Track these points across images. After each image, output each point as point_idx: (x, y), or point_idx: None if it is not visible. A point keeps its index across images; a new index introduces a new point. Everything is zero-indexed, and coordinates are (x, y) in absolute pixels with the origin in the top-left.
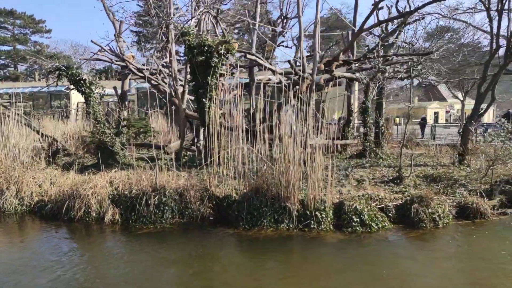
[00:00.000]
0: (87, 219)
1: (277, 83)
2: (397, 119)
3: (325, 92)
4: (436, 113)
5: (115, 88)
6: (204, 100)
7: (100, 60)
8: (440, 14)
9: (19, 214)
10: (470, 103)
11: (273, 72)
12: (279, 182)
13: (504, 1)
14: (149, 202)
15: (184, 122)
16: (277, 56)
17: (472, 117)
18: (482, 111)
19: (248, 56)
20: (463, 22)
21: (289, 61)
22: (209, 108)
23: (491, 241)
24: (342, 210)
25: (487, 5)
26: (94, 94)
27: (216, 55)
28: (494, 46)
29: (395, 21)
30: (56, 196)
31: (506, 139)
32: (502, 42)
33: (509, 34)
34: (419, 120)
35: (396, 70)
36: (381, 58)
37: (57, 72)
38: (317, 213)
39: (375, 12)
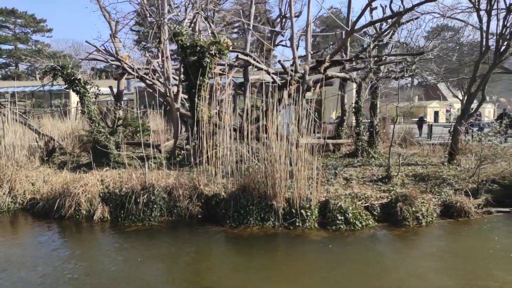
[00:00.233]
0: (77, 216)
1: (272, 83)
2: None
3: (323, 91)
4: (436, 112)
5: (110, 87)
6: (196, 99)
7: (95, 59)
8: (438, 13)
9: (12, 211)
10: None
11: (267, 72)
12: (265, 181)
13: (492, 2)
14: (138, 200)
15: (177, 121)
16: (277, 55)
17: (462, 116)
18: (472, 111)
19: (240, 56)
20: (461, 21)
21: (279, 61)
22: (197, 107)
23: (472, 239)
24: (327, 209)
25: (476, 5)
26: (88, 93)
27: (208, 55)
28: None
29: (389, 21)
30: (48, 194)
31: (494, 139)
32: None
33: (497, 34)
34: (417, 119)
35: (391, 70)
36: (373, 58)
37: (52, 72)
38: (302, 211)
39: (370, 12)
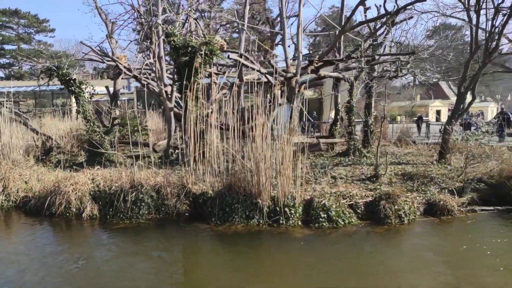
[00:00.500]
0: (67, 214)
1: (266, 83)
2: (398, 117)
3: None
4: (438, 111)
5: (107, 87)
6: (187, 99)
7: (91, 60)
8: (437, 12)
9: (5, 209)
10: (467, 101)
11: (260, 72)
12: (251, 179)
13: (481, 2)
14: (127, 198)
15: (170, 121)
16: (279, 54)
17: (452, 116)
18: (462, 110)
19: (231, 56)
20: (462, 20)
21: (269, 62)
22: (186, 107)
23: (449, 237)
24: (311, 207)
25: (466, 6)
26: (84, 93)
27: (199, 56)
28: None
29: (381, 20)
30: (40, 192)
31: (482, 138)
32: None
33: (487, 34)
34: (415, 118)
35: (385, 70)
36: (364, 58)
37: (48, 72)
38: (286, 209)
39: (364, 12)
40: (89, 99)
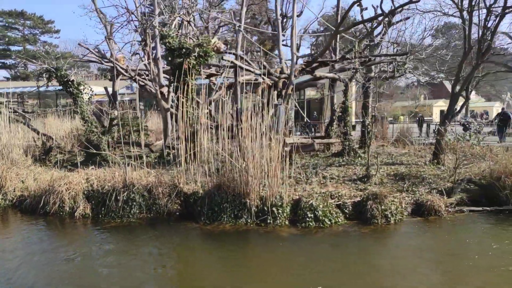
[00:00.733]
0: (61, 213)
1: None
2: (401, 117)
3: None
4: (442, 111)
5: (105, 88)
6: (182, 100)
7: (90, 61)
8: (441, 12)
9: (2, 207)
10: (472, 101)
11: (254, 73)
12: (239, 179)
13: (473, 3)
14: (119, 198)
15: (166, 121)
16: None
17: (446, 116)
18: (456, 111)
19: (225, 57)
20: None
21: (260, 62)
22: (177, 107)
23: (434, 237)
24: (299, 207)
25: (460, 6)
26: (82, 94)
27: (193, 57)
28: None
29: (376, 21)
30: (36, 191)
31: (473, 139)
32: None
33: (479, 35)
34: (416, 118)
35: (383, 70)
36: (358, 59)
37: (47, 74)
38: (273, 209)
39: (360, 12)
40: (88, 100)
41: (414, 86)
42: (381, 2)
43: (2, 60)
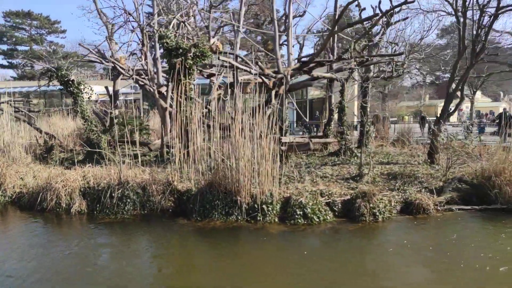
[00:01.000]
0: (58, 209)
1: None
2: (406, 117)
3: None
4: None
5: (106, 87)
6: (181, 100)
7: (91, 61)
8: (445, 11)
9: (2, 204)
10: (478, 100)
11: (250, 73)
12: (230, 177)
13: (467, 4)
14: (113, 194)
15: (164, 120)
16: (284, 54)
17: (441, 116)
18: (451, 111)
19: (221, 58)
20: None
21: (257, 63)
22: (171, 107)
23: (419, 235)
24: (288, 204)
25: (454, 7)
26: (82, 94)
27: (190, 57)
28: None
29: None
30: (34, 188)
31: (465, 139)
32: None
33: (473, 35)
34: (418, 118)
35: (381, 70)
36: (354, 59)
37: (48, 73)
38: (264, 206)
39: (359, 13)
40: (88, 99)
41: (419, 86)
42: (380, 3)
43: (10, 60)
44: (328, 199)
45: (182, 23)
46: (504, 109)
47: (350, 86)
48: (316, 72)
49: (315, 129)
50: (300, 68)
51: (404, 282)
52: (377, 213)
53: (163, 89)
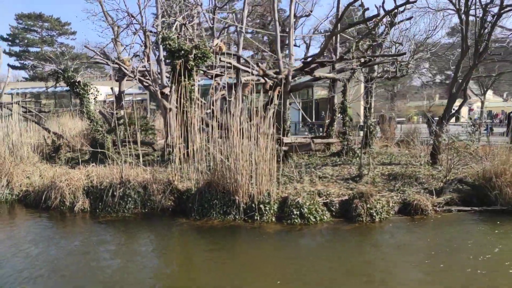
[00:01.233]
0: (62, 207)
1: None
2: (415, 117)
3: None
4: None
5: (112, 89)
6: (183, 101)
7: (97, 62)
8: (454, 10)
9: (9, 202)
10: (489, 100)
11: (252, 73)
12: (228, 177)
13: (469, 4)
14: (115, 193)
15: (167, 121)
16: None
17: (443, 117)
18: (454, 111)
19: (222, 59)
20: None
21: (257, 64)
22: (182, 107)
23: (413, 235)
24: (286, 204)
25: (457, 6)
26: (87, 95)
27: (191, 58)
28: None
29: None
30: (39, 187)
31: (468, 140)
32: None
33: (476, 35)
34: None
35: (385, 70)
36: (356, 60)
37: (55, 75)
38: (261, 206)
39: (363, 13)
40: (94, 100)
41: (429, 85)
42: (383, 2)
43: (22, 61)
44: (325, 199)
45: (183, 25)
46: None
47: (352, 87)
48: (318, 73)
49: (320, 129)
50: (302, 69)
51: (395, 280)
52: (374, 214)
53: (167, 90)
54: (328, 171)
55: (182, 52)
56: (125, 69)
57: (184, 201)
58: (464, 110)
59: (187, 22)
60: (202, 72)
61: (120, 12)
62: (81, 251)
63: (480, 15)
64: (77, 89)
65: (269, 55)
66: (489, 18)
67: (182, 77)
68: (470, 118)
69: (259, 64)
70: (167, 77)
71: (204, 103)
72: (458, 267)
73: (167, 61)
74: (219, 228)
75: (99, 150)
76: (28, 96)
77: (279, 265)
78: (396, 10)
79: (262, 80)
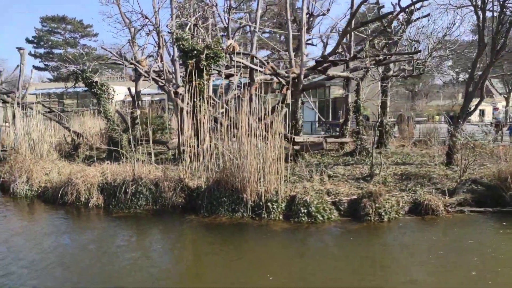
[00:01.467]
0: (77, 203)
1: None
2: (437, 117)
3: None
4: (482, 111)
5: (129, 89)
6: (195, 100)
7: (115, 63)
8: (473, 6)
9: (29, 197)
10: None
11: (264, 73)
12: (237, 175)
13: (486, 0)
14: (128, 190)
15: (181, 120)
16: (309, 52)
17: (460, 116)
18: (471, 110)
19: (234, 58)
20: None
21: (268, 63)
22: (194, 107)
23: (421, 236)
24: (294, 202)
25: (474, 2)
26: (105, 94)
27: (203, 58)
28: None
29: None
30: (57, 183)
31: (483, 140)
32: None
33: (493, 32)
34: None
35: (402, 68)
36: (369, 58)
37: (74, 75)
38: (269, 204)
39: (378, 10)
40: (110, 100)
41: (452, 84)
42: (399, 1)
43: (46, 63)
44: (334, 198)
45: (195, 26)
46: None
47: (367, 86)
48: (332, 72)
49: (337, 128)
50: (315, 68)
51: (400, 280)
52: (383, 213)
53: (181, 90)
54: (340, 171)
55: (195, 52)
56: (140, 69)
57: (194, 198)
58: (489, 109)
59: (200, 23)
60: (217, 72)
61: (134, 14)
62: (94, 246)
63: (498, 11)
64: (95, 89)
65: (286, 55)
66: (508, 13)
67: (194, 76)
68: (495, 118)
69: (269, 62)
70: (181, 77)
71: (217, 102)
72: (465, 267)
73: (181, 61)
74: (227, 225)
75: (113, 148)
76: (52, 96)
77: (285, 263)
78: (412, 7)
79: (275, 80)
